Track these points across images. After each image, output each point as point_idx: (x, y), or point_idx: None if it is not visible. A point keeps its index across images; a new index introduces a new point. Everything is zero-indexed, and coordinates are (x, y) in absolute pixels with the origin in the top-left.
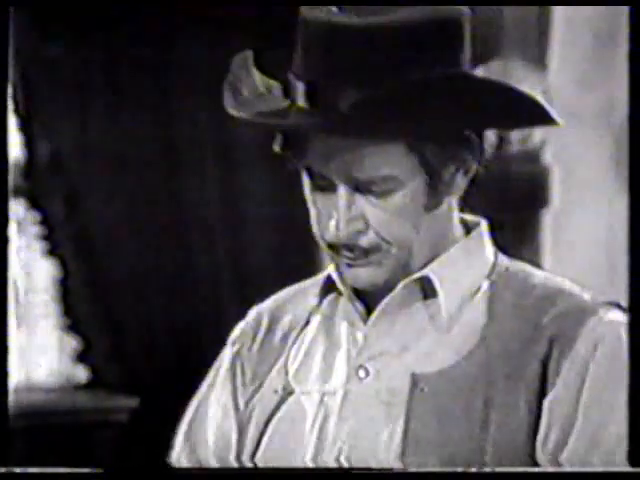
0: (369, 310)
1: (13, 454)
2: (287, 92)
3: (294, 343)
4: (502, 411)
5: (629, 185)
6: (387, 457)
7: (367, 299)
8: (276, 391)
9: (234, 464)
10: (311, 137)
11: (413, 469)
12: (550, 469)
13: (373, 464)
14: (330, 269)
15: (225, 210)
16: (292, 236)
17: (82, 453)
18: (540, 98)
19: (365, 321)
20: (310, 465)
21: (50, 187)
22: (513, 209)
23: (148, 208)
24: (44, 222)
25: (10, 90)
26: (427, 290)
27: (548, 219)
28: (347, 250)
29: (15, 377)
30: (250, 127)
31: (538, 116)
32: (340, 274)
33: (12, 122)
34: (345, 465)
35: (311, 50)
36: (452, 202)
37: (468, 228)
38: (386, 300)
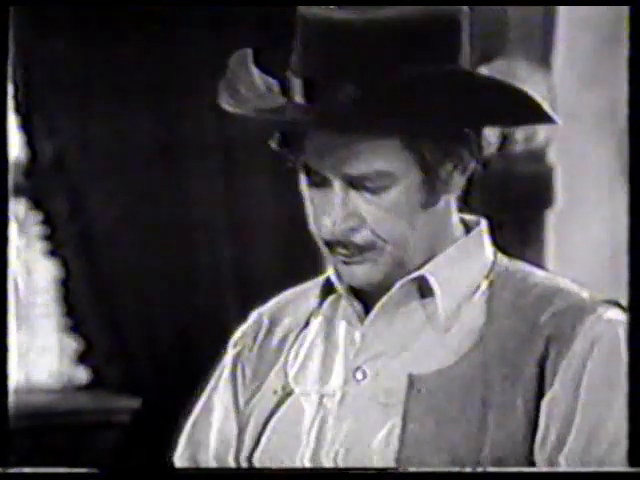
0: (367, 310)
1: (13, 455)
2: (285, 90)
3: (293, 344)
4: (500, 411)
5: (629, 185)
6: (384, 458)
7: (366, 299)
8: (275, 392)
9: (233, 464)
10: (307, 133)
11: (412, 469)
12: (549, 469)
13: (370, 465)
14: (330, 270)
15: (228, 210)
16: (295, 237)
17: (83, 454)
18: (538, 96)
19: (363, 321)
20: (308, 466)
21: (51, 187)
22: (517, 208)
23: (150, 208)
24: (45, 222)
25: (10, 90)
26: (424, 290)
27: (552, 219)
28: (342, 247)
29: (15, 378)
30: (247, 123)
31: (536, 114)
32: (337, 272)
33: (12, 122)
34: (342, 466)
35: (309, 47)
36: (450, 201)
37: (468, 228)
38: (383, 299)
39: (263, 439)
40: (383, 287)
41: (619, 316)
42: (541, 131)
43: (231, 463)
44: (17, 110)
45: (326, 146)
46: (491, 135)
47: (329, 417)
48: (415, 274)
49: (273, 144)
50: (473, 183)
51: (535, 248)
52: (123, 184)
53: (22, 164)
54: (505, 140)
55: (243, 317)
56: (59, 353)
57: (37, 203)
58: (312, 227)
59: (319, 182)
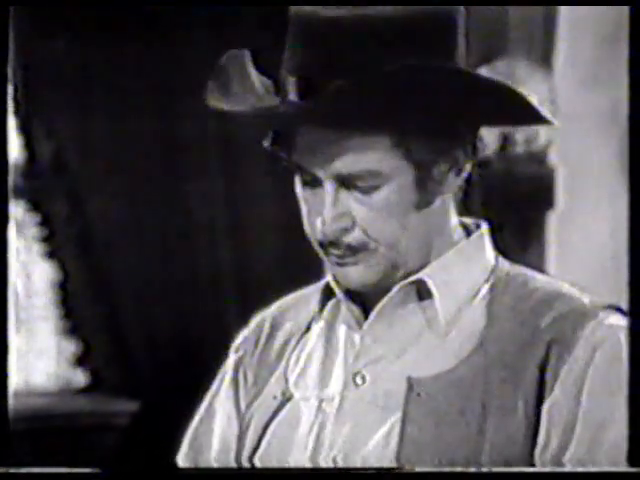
0: (367, 313)
1: (12, 457)
2: (279, 89)
3: (294, 349)
4: (499, 415)
5: (629, 186)
6: (382, 462)
7: (365, 302)
8: (275, 397)
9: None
10: (298, 132)
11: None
12: (550, 469)
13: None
14: (328, 273)
15: (229, 212)
16: (297, 238)
17: (81, 457)
18: (532, 96)
19: (362, 324)
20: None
21: (50, 188)
22: (517, 210)
23: (149, 209)
24: (43, 224)
25: (10, 90)
26: (424, 293)
27: (553, 220)
28: (334, 248)
29: (14, 381)
30: (247, 124)
31: (530, 115)
32: (334, 275)
33: (12, 123)
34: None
35: (300, 45)
36: (448, 203)
37: (468, 231)
38: (382, 303)
39: (263, 444)
40: (381, 290)
41: (620, 321)
42: (542, 132)
43: (232, 466)
44: (16, 111)
45: (316, 144)
46: (488, 136)
47: (328, 422)
48: (414, 277)
49: (266, 143)
50: (473, 185)
51: (536, 250)
52: (123, 185)
53: (21, 165)
54: (506, 141)
55: (243, 319)
56: (57, 356)
57: (35, 205)
58: (306, 228)
59: (311, 182)
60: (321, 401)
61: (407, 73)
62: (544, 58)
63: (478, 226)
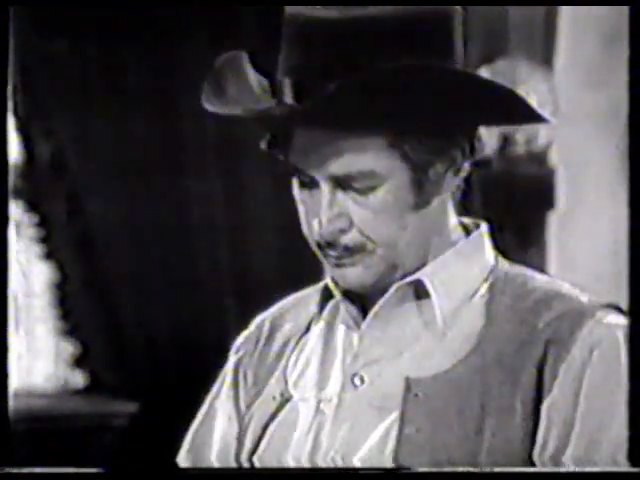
0: (366, 314)
1: (12, 458)
2: (275, 91)
3: (293, 350)
4: (497, 416)
5: (629, 186)
6: (380, 463)
7: (364, 303)
8: (274, 397)
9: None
10: (295, 134)
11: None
12: (550, 469)
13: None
14: (327, 274)
15: (228, 212)
16: (296, 239)
17: (80, 458)
18: (526, 96)
19: (360, 325)
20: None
21: (49, 189)
22: (518, 211)
23: (149, 210)
24: (41, 224)
25: (10, 91)
26: (421, 294)
27: (553, 221)
28: (331, 249)
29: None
30: (247, 124)
31: (525, 114)
32: (332, 276)
33: (11, 123)
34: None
35: (294, 46)
36: (446, 203)
37: (467, 231)
38: (379, 303)
39: (261, 444)
40: (380, 290)
41: (619, 320)
42: (542, 132)
43: (233, 466)
44: (15, 111)
45: (312, 146)
46: (488, 136)
47: (326, 422)
48: (411, 277)
49: (263, 145)
50: (473, 185)
51: (536, 250)
52: (122, 186)
53: (19, 166)
54: (506, 142)
55: (242, 320)
56: (55, 357)
57: (33, 205)
58: (304, 230)
59: (308, 184)
60: (319, 402)
61: (402, 73)
62: (545, 58)
63: (477, 226)
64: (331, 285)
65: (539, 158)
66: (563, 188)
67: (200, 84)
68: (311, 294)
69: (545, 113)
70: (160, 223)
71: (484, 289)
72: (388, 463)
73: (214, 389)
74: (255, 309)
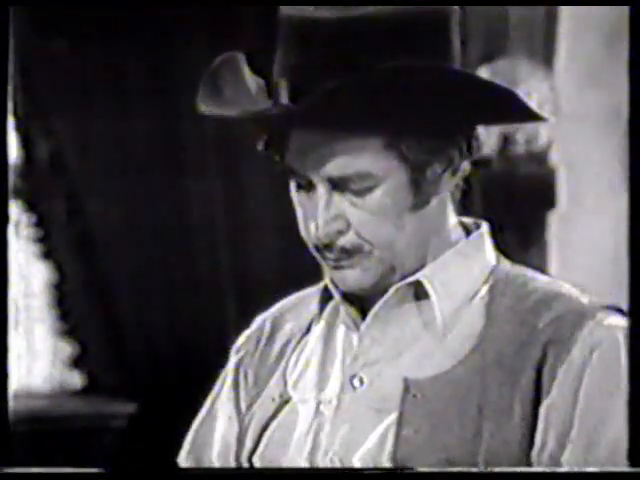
0: (365, 315)
1: (12, 458)
2: (271, 92)
3: (294, 351)
4: (496, 417)
5: (629, 185)
6: (379, 464)
7: (364, 304)
8: (273, 399)
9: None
10: (291, 135)
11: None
12: (550, 469)
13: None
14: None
15: (228, 213)
16: (296, 239)
17: (79, 460)
18: (525, 95)
19: (359, 326)
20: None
21: (48, 188)
22: (518, 210)
23: (148, 210)
24: (39, 224)
25: (10, 90)
26: (421, 294)
27: (554, 220)
28: (329, 251)
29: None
30: (246, 125)
31: (522, 112)
32: (331, 278)
33: (11, 123)
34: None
35: (291, 47)
36: (445, 203)
37: (468, 231)
38: (378, 304)
39: (260, 446)
40: (379, 292)
41: (619, 321)
42: (543, 132)
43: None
44: (14, 111)
45: (308, 147)
46: (488, 136)
47: (325, 424)
48: (410, 279)
49: (260, 146)
50: (473, 185)
51: (537, 250)
52: (121, 186)
53: (18, 165)
54: (506, 141)
55: (242, 321)
56: (53, 358)
57: (31, 205)
58: (302, 232)
59: (305, 185)
60: (319, 403)
61: (398, 74)
62: (545, 58)
63: (478, 226)
64: (330, 286)
65: (539, 158)
66: (563, 188)
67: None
68: (312, 294)
69: (545, 112)
70: (159, 223)
71: (484, 290)
72: (386, 464)
73: (215, 389)
74: (255, 309)
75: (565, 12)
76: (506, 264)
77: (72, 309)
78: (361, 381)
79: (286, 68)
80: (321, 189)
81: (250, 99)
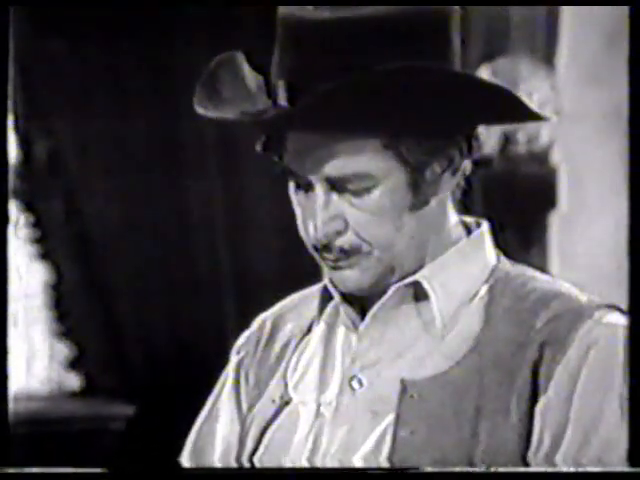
0: (365, 316)
1: (12, 458)
2: (270, 92)
3: (294, 352)
4: (493, 418)
5: (629, 185)
6: (377, 465)
7: (364, 304)
8: (274, 400)
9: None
10: (289, 136)
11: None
12: (550, 469)
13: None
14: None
15: (228, 213)
16: (297, 240)
17: (78, 462)
18: (525, 94)
19: (358, 327)
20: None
21: (46, 189)
22: (520, 210)
23: (147, 210)
24: (37, 224)
25: (10, 90)
26: (420, 295)
27: (555, 220)
28: (327, 252)
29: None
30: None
31: (521, 112)
32: (330, 278)
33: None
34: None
35: (289, 48)
36: (445, 203)
37: (469, 230)
38: (377, 305)
39: (260, 448)
40: (378, 292)
41: (618, 320)
42: (544, 132)
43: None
44: (13, 111)
45: (306, 148)
46: (490, 136)
47: (325, 426)
48: (409, 279)
49: (258, 147)
50: (474, 185)
51: (538, 250)
52: (120, 186)
53: (15, 165)
54: (507, 141)
55: (241, 322)
56: (51, 359)
57: (29, 205)
58: (301, 232)
59: (303, 186)
60: (319, 405)
61: (397, 74)
62: (546, 57)
63: (479, 225)
64: (330, 287)
65: (540, 157)
66: (564, 187)
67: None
68: (313, 293)
69: (546, 112)
70: (158, 223)
71: (484, 290)
72: (384, 466)
73: (216, 390)
74: (255, 309)
75: (566, 11)
76: (506, 263)
77: (70, 310)
78: (360, 383)
79: (284, 69)
80: (319, 189)
81: (249, 99)
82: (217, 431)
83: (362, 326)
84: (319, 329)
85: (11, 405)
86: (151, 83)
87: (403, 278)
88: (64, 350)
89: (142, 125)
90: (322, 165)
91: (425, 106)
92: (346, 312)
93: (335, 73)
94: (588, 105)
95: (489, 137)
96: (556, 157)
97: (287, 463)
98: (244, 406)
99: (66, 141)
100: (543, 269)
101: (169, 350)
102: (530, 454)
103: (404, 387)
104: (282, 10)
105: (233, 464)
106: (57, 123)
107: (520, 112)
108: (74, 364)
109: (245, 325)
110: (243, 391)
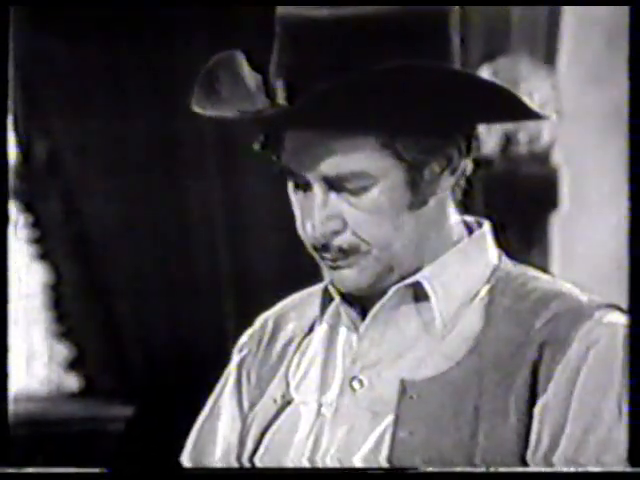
0: (365, 316)
1: (12, 458)
2: (269, 91)
3: (296, 352)
4: (492, 419)
5: (629, 185)
6: (376, 465)
7: (365, 305)
8: (275, 400)
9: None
10: (287, 134)
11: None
12: (550, 469)
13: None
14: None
15: (227, 213)
16: (297, 240)
17: (76, 463)
18: (526, 94)
19: (359, 328)
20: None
21: (45, 189)
22: (521, 210)
23: (146, 210)
24: (36, 225)
25: (11, 90)
26: (420, 295)
27: (556, 220)
28: (325, 251)
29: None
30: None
31: (520, 111)
32: (330, 278)
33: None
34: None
35: (287, 47)
36: (445, 202)
37: (470, 229)
38: (377, 306)
39: (261, 448)
40: (378, 292)
41: (618, 320)
42: (545, 132)
43: (235, 466)
44: (13, 111)
45: (303, 147)
46: (490, 136)
47: (326, 426)
48: (410, 280)
49: (256, 146)
50: (475, 185)
51: (539, 250)
52: (120, 186)
53: (14, 166)
54: (508, 141)
55: (241, 321)
56: (50, 360)
57: (28, 206)
58: (300, 232)
59: (302, 185)
60: (321, 406)
61: (394, 73)
62: (547, 56)
63: (480, 225)
64: (330, 287)
65: (541, 158)
66: (566, 188)
67: None
68: (315, 293)
69: (547, 112)
70: (158, 223)
71: (485, 291)
72: (384, 466)
73: (218, 388)
74: (255, 309)
75: (568, 11)
76: (508, 263)
77: (69, 311)
78: (360, 383)
79: (282, 68)
80: (317, 189)
81: (248, 98)
82: (218, 429)
83: (362, 327)
84: (321, 329)
85: (11, 406)
86: (150, 83)
87: (402, 278)
88: (63, 351)
89: (141, 125)
90: (320, 164)
91: (423, 105)
92: (346, 313)
93: (333, 72)
94: (589, 105)
95: (490, 137)
96: (557, 157)
97: (288, 463)
98: (245, 405)
99: (65, 141)
100: (544, 269)
101: (169, 350)
102: (529, 454)
103: (404, 388)
104: (281, 9)
105: (234, 463)
106: (56, 123)
107: (518, 110)
108: (73, 365)
109: (245, 325)
110: (245, 390)
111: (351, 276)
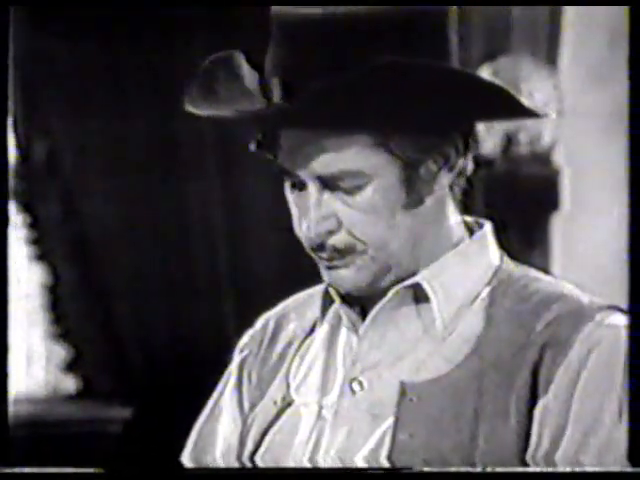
0: (365, 317)
1: (11, 458)
2: (265, 91)
3: (297, 352)
4: (492, 420)
5: (629, 185)
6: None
7: (364, 305)
8: (275, 402)
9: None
10: (282, 134)
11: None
12: (550, 470)
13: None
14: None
15: (227, 213)
16: (297, 240)
17: (75, 465)
18: (511, 90)
19: (359, 329)
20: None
21: (43, 189)
22: (522, 211)
23: (145, 211)
24: (33, 225)
25: (10, 91)
26: (420, 297)
27: (557, 221)
28: (321, 251)
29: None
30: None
31: (517, 109)
32: (328, 279)
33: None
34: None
35: (282, 46)
36: (444, 202)
37: (471, 230)
38: (377, 307)
39: (261, 450)
40: (378, 292)
41: (620, 321)
42: (546, 132)
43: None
44: (13, 111)
45: (297, 146)
46: (483, 133)
47: (326, 428)
48: (410, 281)
49: (252, 146)
50: (475, 185)
51: (540, 250)
52: (119, 186)
53: (13, 166)
54: (510, 142)
55: (241, 321)
56: (48, 362)
57: (26, 206)
58: (297, 232)
59: (298, 185)
60: (321, 407)
61: (389, 71)
62: (549, 56)
63: (481, 226)
64: (330, 289)
65: (543, 158)
66: (567, 188)
67: None
68: (316, 293)
69: (548, 112)
70: (157, 224)
71: (485, 292)
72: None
73: (218, 388)
74: (255, 309)
75: (569, 11)
76: (510, 264)
77: (68, 312)
78: (360, 385)
79: (278, 67)
80: (312, 188)
81: (245, 98)
82: (219, 430)
83: (362, 328)
84: (322, 330)
85: (11, 407)
86: (150, 83)
87: (401, 277)
88: (62, 352)
89: (141, 125)
90: (314, 163)
91: (419, 103)
92: (346, 314)
93: (330, 71)
94: (590, 105)
95: (491, 138)
96: (558, 158)
97: (288, 464)
98: (246, 405)
99: (65, 141)
100: (545, 270)
101: (169, 350)
102: (528, 455)
103: (403, 390)
104: (276, 8)
105: (234, 464)
106: (56, 123)
107: (515, 108)
108: (72, 366)
109: (245, 325)
110: (245, 390)
111: (348, 276)
